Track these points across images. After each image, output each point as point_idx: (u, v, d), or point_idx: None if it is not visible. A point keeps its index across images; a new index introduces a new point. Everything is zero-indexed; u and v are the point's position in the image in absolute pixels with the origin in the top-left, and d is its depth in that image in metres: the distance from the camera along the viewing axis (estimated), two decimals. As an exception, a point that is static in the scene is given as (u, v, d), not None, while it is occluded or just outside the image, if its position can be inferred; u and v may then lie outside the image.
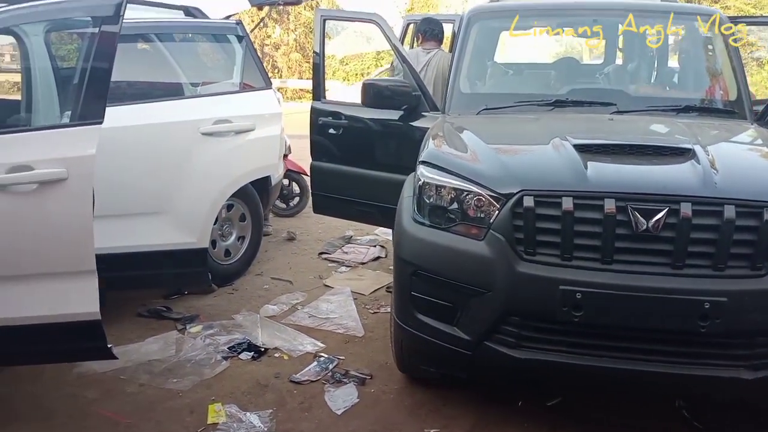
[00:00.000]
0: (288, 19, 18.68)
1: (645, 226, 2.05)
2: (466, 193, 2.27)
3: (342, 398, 2.74)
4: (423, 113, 3.49)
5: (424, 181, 2.42)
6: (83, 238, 2.24)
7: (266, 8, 6.25)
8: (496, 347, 2.20)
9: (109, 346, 2.43)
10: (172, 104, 3.46)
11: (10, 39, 3.30)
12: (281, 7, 6.58)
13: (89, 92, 2.24)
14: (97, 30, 2.26)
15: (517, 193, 2.16)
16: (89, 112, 2.23)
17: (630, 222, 2.06)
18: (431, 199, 2.38)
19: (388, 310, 3.69)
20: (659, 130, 2.95)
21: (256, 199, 4.16)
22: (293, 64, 19.52)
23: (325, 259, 4.73)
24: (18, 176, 2.16)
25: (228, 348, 3.18)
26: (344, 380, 2.90)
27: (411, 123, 3.60)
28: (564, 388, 2.66)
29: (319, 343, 3.26)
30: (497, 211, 2.19)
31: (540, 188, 2.17)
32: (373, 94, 3.41)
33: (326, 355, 3.13)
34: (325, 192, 4.07)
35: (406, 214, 2.50)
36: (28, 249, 2.27)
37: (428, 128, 3.10)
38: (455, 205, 2.30)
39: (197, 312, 3.64)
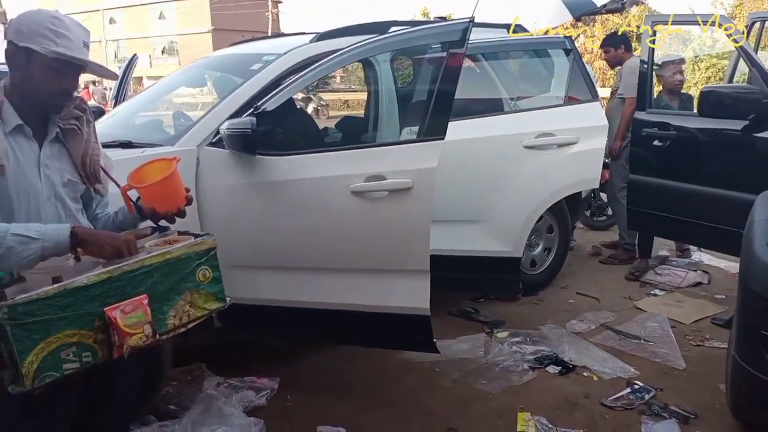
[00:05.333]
0: (594, 27, 18.01)
1: None
2: None
3: (661, 434, 2.53)
4: (776, 123, 3.02)
5: (786, 204, 2.09)
6: (422, 242, 2.48)
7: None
8: None
9: (434, 340, 2.65)
10: (497, 119, 3.63)
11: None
12: (603, 15, 6.37)
13: (435, 111, 2.48)
14: (444, 54, 2.48)
15: None
16: (434, 129, 2.47)
17: None
18: (797, 225, 2.04)
19: (715, 344, 3.32)
20: None
21: (565, 212, 4.11)
22: (597, 73, 18.71)
23: (636, 279, 4.42)
24: (374, 185, 2.49)
25: (534, 358, 3.20)
26: (663, 414, 2.67)
27: (757, 134, 3.14)
28: None
29: (633, 369, 3.05)
30: None
31: None
32: (713, 103, 3.09)
33: (641, 384, 2.91)
34: (643, 207, 3.82)
35: (758, 240, 2.18)
36: (378, 248, 2.59)
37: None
38: (831, 234, 1.93)
39: (503, 318, 3.74)
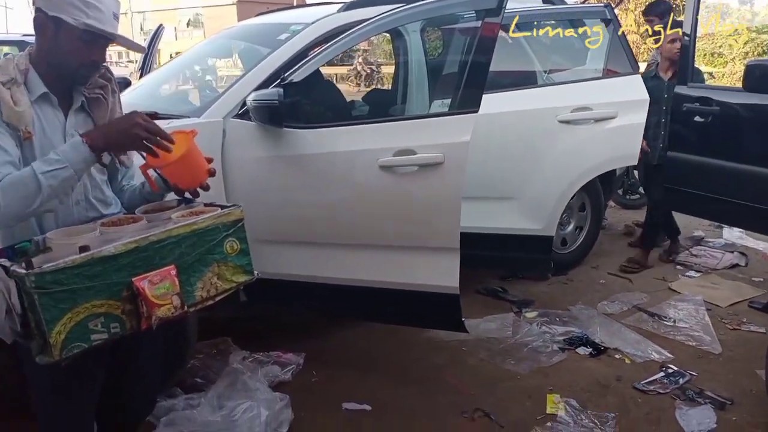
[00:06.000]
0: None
1: None
2: None
3: (696, 419, 2.46)
4: (827, 98, 2.86)
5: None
6: (452, 218, 2.40)
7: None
8: None
9: (462, 319, 2.59)
10: (531, 92, 3.50)
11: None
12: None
13: (469, 83, 2.39)
14: (479, 23, 2.38)
15: None
16: (467, 102, 2.38)
17: None
18: None
19: (752, 328, 3.24)
20: None
21: (598, 190, 4.00)
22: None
23: (670, 260, 4.30)
24: (403, 159, 2.41)
25: (564, 339, 3.13)
26: (698, 399, 2.59)
27: (807, 110, 2.99)
28: None
29: (666, 353, 2.97)
30: None
31: None
32: (759, 77, 2.94)
33: (675, 367, 2.84)
34: (680, 186, 3.68)
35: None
36: (406, 224, 2.52)
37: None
38: None
39: (532, 297, 3.67)
